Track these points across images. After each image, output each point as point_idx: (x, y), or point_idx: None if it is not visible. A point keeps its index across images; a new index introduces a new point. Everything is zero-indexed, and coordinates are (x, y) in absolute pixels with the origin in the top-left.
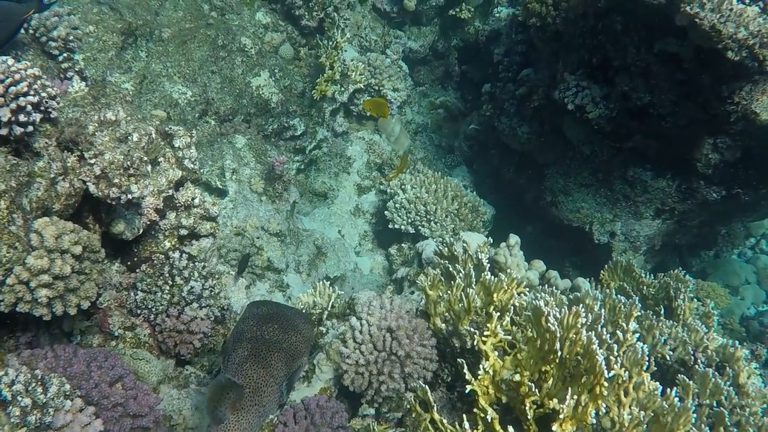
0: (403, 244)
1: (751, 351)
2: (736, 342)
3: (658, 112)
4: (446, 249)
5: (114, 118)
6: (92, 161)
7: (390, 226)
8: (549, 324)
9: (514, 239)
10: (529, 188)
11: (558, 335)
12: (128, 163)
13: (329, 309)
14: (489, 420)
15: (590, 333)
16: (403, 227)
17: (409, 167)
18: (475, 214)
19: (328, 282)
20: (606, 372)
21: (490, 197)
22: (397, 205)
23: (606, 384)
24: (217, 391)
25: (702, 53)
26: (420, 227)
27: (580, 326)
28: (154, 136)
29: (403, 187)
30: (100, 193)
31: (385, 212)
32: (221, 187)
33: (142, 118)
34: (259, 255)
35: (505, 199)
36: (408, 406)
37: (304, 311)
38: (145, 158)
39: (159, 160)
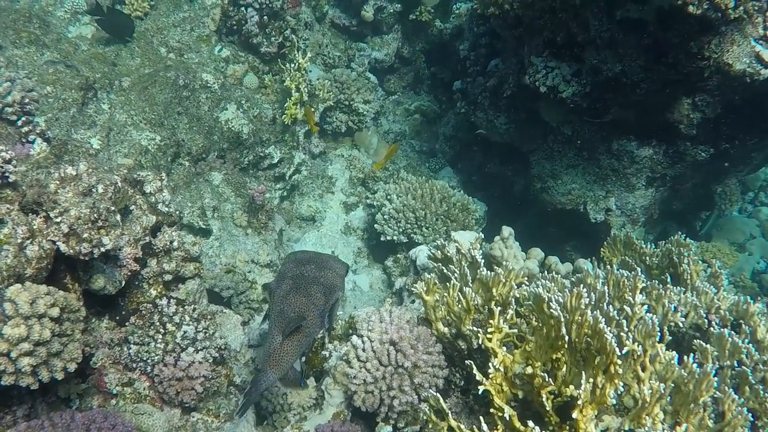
0: (398, 255)
1: (766, 304)
2: (748, 297)
3: (631, 81)
4: (439, 252)
5: (74, 173)
6: (58, 219)
7: (382, 238)
8: (552, 310)
9: (507, 231)
10: (517, 179)
11: (562, 320)
12: (95, 215)
13: (331, 331)
14: (508, 418)
15: (596, 312)
16: (395, 237)
17: (392, 176)
18: (465, 213)
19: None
20: (618, 349)
21: (480, 194)
22: (385, 217)
23: (619, 362)
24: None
25: (664, 13)
26: (412, 234)
27: (584, 307)
28: (120, 185)
29: (389, 197)
30: (71, 251)
31: (375, 225)
32: (204, 226)
33: (108, 168)
34: (253, 289)
35: (495, 194)
36: (424, 418)
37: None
38: (113, 208)
39: (131, 208)
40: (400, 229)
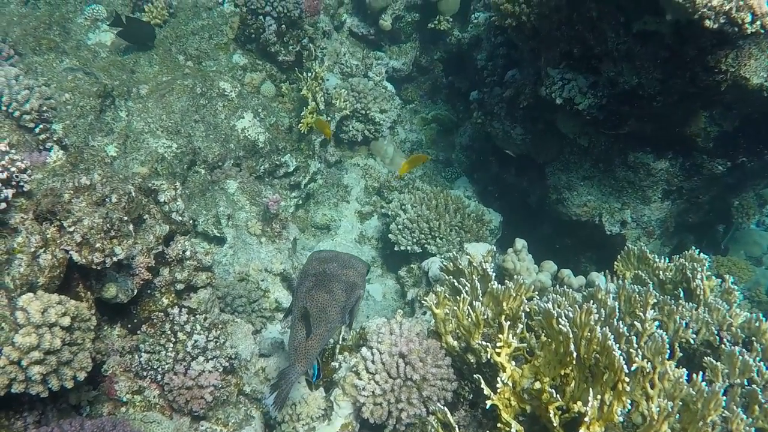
0: (412, 265)
1: None
2: (760, 314)
3: (648, 93)
4: (451, 264)
5: (89, 182)
6: (71, 229)
7: (396, 248)
8: (560, 326)
9: (520, 243)
10: (532, 190)
11: (571, 336)
12: (108, 225)
13: (341, 342)
14: None
15: (605, 329)
16: (409, 248)
17: (408, 185)
18: (480, 224)
19: None
20: (626, 366)
21: (496, 204)
22: (399, 227)
23: (627, 379)
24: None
25: (681, 27)
26: (426, 245)
27: (593, 323)
28: (134, 194)
29: (403, 207)
30: (83, 260)
31: (389, 235)
32: (218, 234)
33: (123, 178)
34: (266, 297)
35: (510, 205)
36: (432, 431)
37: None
38: (126, 218)
39: (144, 217)
40: (414, 240)
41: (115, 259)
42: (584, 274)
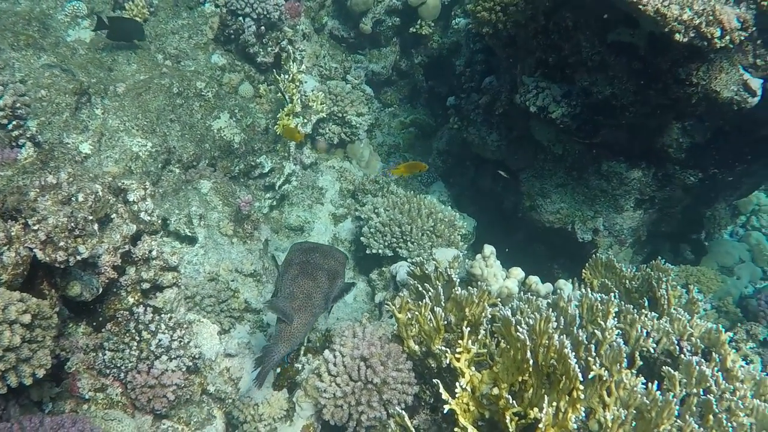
0: (383, 268)
1: (746, 331)
2: (720, 326)
3: (621, 103)
4: (418, 269)
5: (55, 181)
6: (36, 227)
7: (368, 251)
8: (518, 333)
9: (489, 250)
10: (507, 196)
11: (528, 343)
12: (73, 224)
13: (306, 343)
14: None
15: (562, 337)
16: (380, 251)
17: (383, 189)
18: (452, 229)
19: None
20: (580, 375)
21: (471, 209)
22: (372, 230)
23: (582, 387)
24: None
25: (654, 39)
26: (397, 249)
27: (551, 331)
28: (101, 193)
29: (376, 210)
30: (47, 258)
31: (362, 238)
32: (190, 234)
33: (92, 177)
34: (236, 297)
35: (485, 210)
36: None
37: None
38: (91, 217)
39: (111, 216)
40: (386, 243)
41: (78, 258)
42: (556, 280)
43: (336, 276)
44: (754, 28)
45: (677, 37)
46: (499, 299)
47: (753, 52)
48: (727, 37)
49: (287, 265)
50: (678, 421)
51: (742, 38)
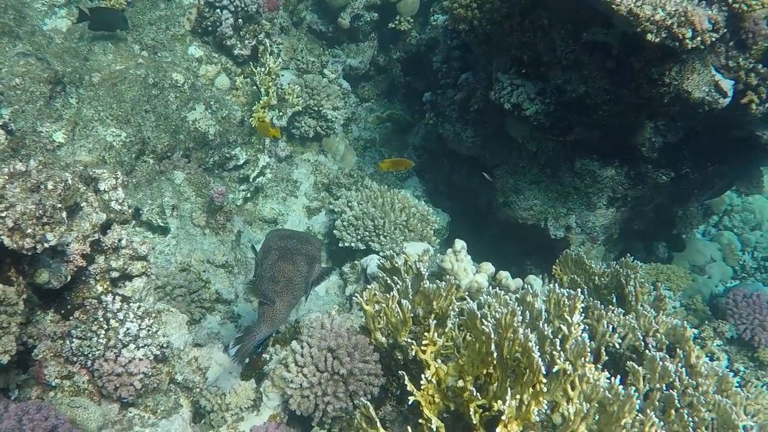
0: (356, 261)
1: (714, 329)
2: (685, 322)
3: (594, 102)
4: (388, 262)
5: (24, 168)
6: (3, 214)
7: (340, 244)
8: (483, 326)
9: (459, 244)
10: (481, 192)
11: (492, 336)
12: (41, 211)
13: (275, 334)
14: (434, 429)
15: (526, 330)
16: (353, 244)
17: (357, 182)
18: (424, 224)
19: None
20: (543, 368)
21: (445, 204)
22: (344, 223)
23: (544, 380)
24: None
25: (628, 39)
26: (370, 242)
27: (516, 325)
28: (71, 182)
29: (350, 204)
30: (14, 245)
31: (334, 231)
32: (162, 224)
33: (63, 165)
34: (207, 288)
35: (460, 206)
36: (357, 425)
37: None
38: (60, 205)
39: (81, 205)
40: (359, 237)
41: (46, 245)
42: (530, 276)
43: (314, 260)
44: (725, 30)
45: (649, 37)
46: (467, 293)
47: (725, 53)
48: (699, 38)
49: (266, 251)
50: (640, 415)
51: (713, 39)
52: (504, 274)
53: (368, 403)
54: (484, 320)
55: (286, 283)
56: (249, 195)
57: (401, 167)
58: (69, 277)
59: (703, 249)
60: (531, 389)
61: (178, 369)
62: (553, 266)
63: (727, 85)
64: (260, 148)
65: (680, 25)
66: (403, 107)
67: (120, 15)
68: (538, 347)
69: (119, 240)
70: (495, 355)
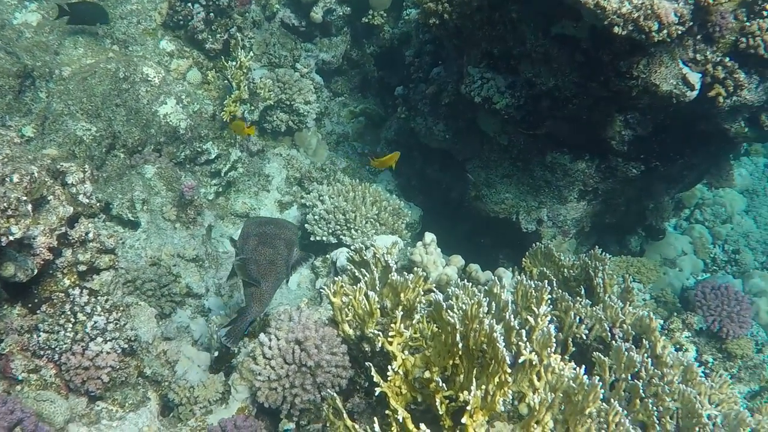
0: (327, 255)
1: (682, 321)
2: (651, 313)
3: (564, 95)
4: (357, 255)
5: None
6: None
7: (312, 238)
8: (448, 316)
9: (429, 237)
10: (454, 186)
11: (458, 326)
12: (5, 204)
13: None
14: (401, 420)
15: (492, 321)
16: (324, 238)
17: (329, 177)
18: (396, 217)
19: None
20: (508, 357)
21: (419, 199)
22: (316, 217)
23: (509, 370)
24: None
25: (596, 32)
26: (341, 236)
27: (482, 315)
28: (37, 175)
29: (321, 198)
30: None
31: (306, 225)
32: (133, 219)
33: (31, 159)
34: (177, 282)
35: (433, 200)
36: (325, 416)
37: None
38: (25, 198)
39: (48, 198)
40: (330, 230)
41: (11, 238)
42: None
43: (292, 244)
44: (692, 23)
45: (616, 30)
46: (435, 285)
47: (693, 47)
48: (665, 31)
49: (245, 237)
50: (604, 404)
51: (680, 32)
52: (474, 267)
53: (335, 394)
54: (449, 311)
55: (269, 266)
56: (221, 189)
57: (392, 162)
58: (36, 271)
59: (675, 242)
60: (496, 379)
61: (147, 362)
62: (523, 259)
63: (694, 78)
64: (232, 142)
65: (646, 18)
66: (376, 102)
67: (101, 9)
68: (503, 338)
69: (87, 233)
70: (460, 345)
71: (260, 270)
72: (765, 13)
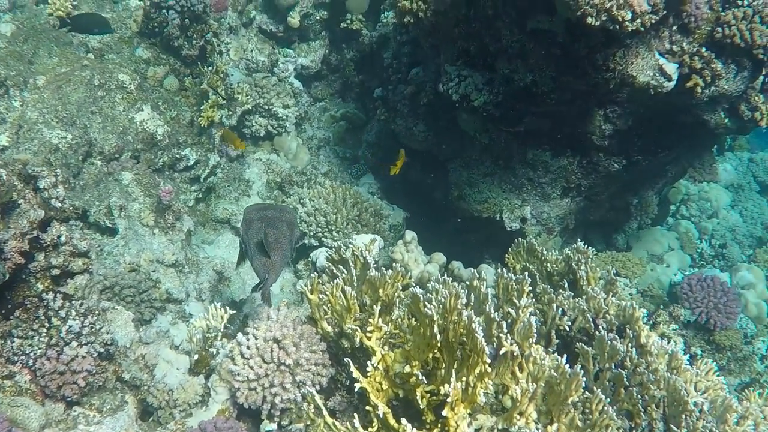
0: (309, 258)
1: (669, 313)
2: (634, 303)
3: (542, 90)
4: (336, 254)
5: None
6: None
7: None
8: (426, 309)
9: (410, 236)
10: (436, 186)
11: (435, 318)
12: None
13: (223, 330)
14: (381, 415)
15: (471, 312)
16: (306, 241)
17: (310, 180)
18: (377, 218)
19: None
20: (487, 348)
21: (402, 200)
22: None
23: (488, 360)
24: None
25: (572, 25)
26: (323, 238)
27: (460, 307)
28: (5, 178)
29: (301, 201)
30: None
31: None
32: (110, 225)
33: (2, 163)
34: (157, 288)
35: (416, 201)
36: (306, 415)
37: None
38: None
39: (19, 202)
40: (311, 233)
41: None
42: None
43: (293, 225)
44: (665, 12)
45: (589, 20)
46: (414, 281)
47: (669, 38)
48: (638, 21)
49: (248, 223)
50: (588, 394)
51: (653, 22)
52: (456, 264)
53: (314, 392)
54: (426, 303)
55: (275, 243)
56: (201, 195)
57: (402, 161)
58: (7, 276)
59: (661, 238)
60: (476, 371)
61: (125, 367)
62: (506, 255)
63: (671, 68)
64: (210, 148)
65: (619, 7)
66: (357, 106)
67: (103, 20)
68: (482, 328)
69: (59, 236)
70: (439, 338)
71: (269, 247)
72: (740, 3)
